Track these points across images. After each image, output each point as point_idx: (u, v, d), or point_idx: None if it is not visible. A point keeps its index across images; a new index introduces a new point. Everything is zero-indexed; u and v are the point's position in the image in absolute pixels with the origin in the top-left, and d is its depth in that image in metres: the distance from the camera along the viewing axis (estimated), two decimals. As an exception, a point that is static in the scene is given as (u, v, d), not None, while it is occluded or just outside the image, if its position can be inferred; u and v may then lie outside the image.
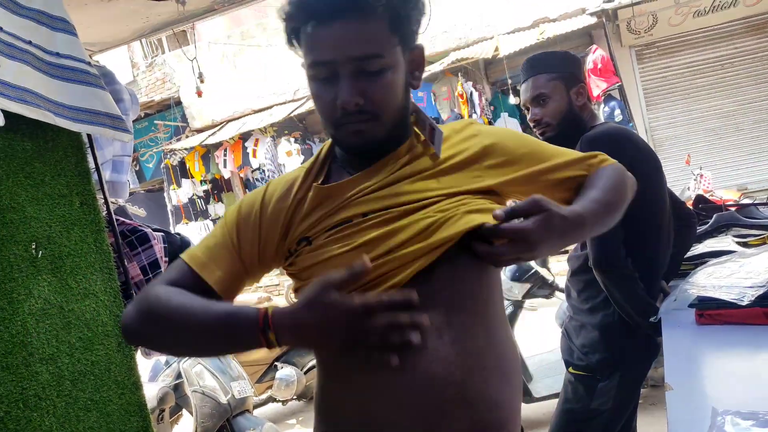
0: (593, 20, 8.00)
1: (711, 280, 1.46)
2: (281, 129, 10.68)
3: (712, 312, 1.38)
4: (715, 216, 2.04)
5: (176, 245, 2.40)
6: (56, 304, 1.90)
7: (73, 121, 1.95)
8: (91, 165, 2.17)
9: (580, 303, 1.73)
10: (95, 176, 2.19)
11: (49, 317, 1.86)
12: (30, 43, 1.78)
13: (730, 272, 1.47)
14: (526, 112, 1.92)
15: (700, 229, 2.01)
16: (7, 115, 1.68)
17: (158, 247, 2.29)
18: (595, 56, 7.76)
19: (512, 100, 8.61)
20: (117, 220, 2.23)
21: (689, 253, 1.86)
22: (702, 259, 1.80)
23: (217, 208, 12.21)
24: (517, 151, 1.05)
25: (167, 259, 2.33)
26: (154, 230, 2.35)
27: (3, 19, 1.70)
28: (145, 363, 2.96)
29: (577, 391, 1.74)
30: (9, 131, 1.83)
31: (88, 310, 1.97)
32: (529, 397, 3.58)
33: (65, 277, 1.94)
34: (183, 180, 11.18)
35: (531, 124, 1.90)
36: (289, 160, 10.03)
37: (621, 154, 1.60)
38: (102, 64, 2.63)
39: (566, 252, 1.67)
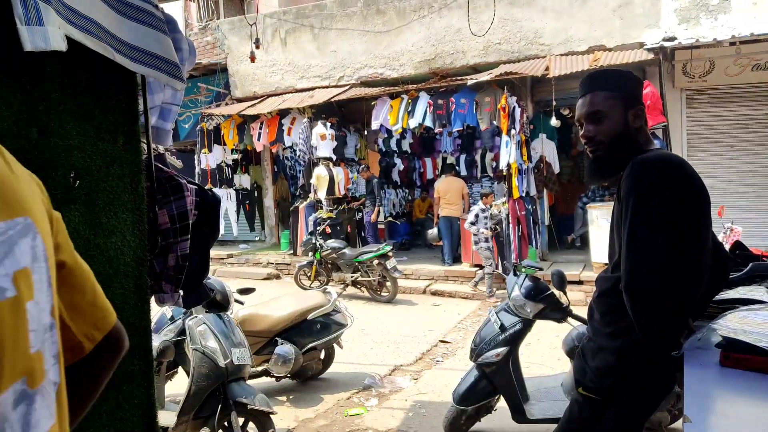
0: (649, 56, 7.90)
1: (742, 325, 1.43)
2: (319, 112, 10.73)
3: (739, 356, 1.35)
4: (751, 264, 2.00)
5: (207, 200, 2.42)
6: (84, 235, 1.92)
7: (132, 60, 1.96)
8: (140, 108, 2.20)
9: (602, 326, 1.70)
10: (142, 119, 2.22)
11: (75, 247, 1.88)
12: (105, -25, 1.80)
13: (763, 320, 1.43)
14: (579, 127, 1.89)
15: (734, 275, 1.97)
16: (69, 42, 1.70)
17: (190, 199, 2.30)
18: (645, 92, 7.66)
19: (553, 122, 8.53)
20: (155, 165, 2.26)
21: (718, 297, 1.82)
22: (732, 304, 1.76)
23: (242, 179, 12.33)
24: None
25: (196, 212, 2.35)
26: (189, 182, 2.37)
27: (84, -51, 1.72)
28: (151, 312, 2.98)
29: (583, 412, 1.71)
30: (68, 59, 1.84)
31: (113, 247, 1.99)
32: (522, 416, 3.55)
33: (97, 211, 1.96)
34: (215, 146, 11.30)
35: (582, 141, 1.86)
36: (322, 143, 10.07)
37: (667, 180, 1.58)
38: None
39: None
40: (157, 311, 3.56)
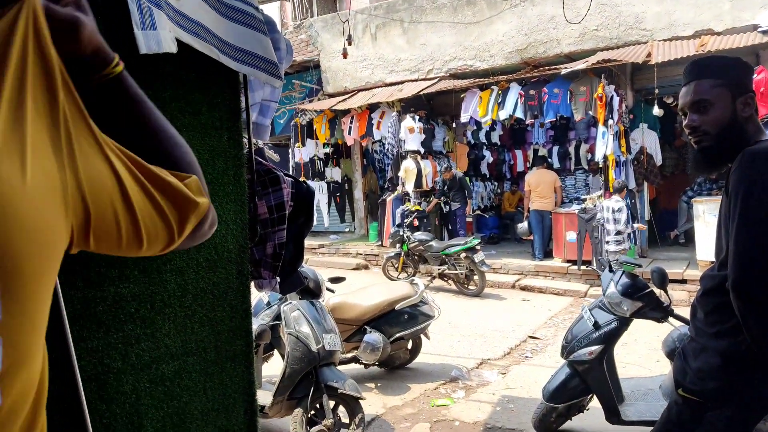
0: (764, 39, 7.27)
1: None
2: (408, 105, 10.79)
3: None
4: None
5: (302, 192, 2.53)
6: (192, 223, 2.07)
7: (235, 61, 2.09)
8: (242, 105, 2.33)
9: (707, 326, 1.61)
10: (243, 116, 2.35)
11: (184, 234, 2.03)
12: (211, -19, 1.93)
13: None
14: (682, 117, 1.80)
15: None
16: (178, 44, 1.83)
17: (286, 191, 2.42)
18: (758, 78, 7.06)
19: (656, 111, 8.06)
20: (255, 159, 2.39)
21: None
22: None
23: (333, 172, 12.65)
24: None
25: (292, 203, 2.46)
26: (285, 175, 2.48)
27: (194, -43, 1.85)
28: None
29: (682, 415, 1.63)
30: (177, 60, 1.99)
31: (218, 235, 2.13)
32: (617, 418, 3.42)
33: (204, 201, 2.11)
34: (308, 140, 11.68)
35: (686, 131, 1.77)
36: (410, 136, 10.12)
37: None
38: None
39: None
40: (255, 297, 3.76)
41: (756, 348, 1.44)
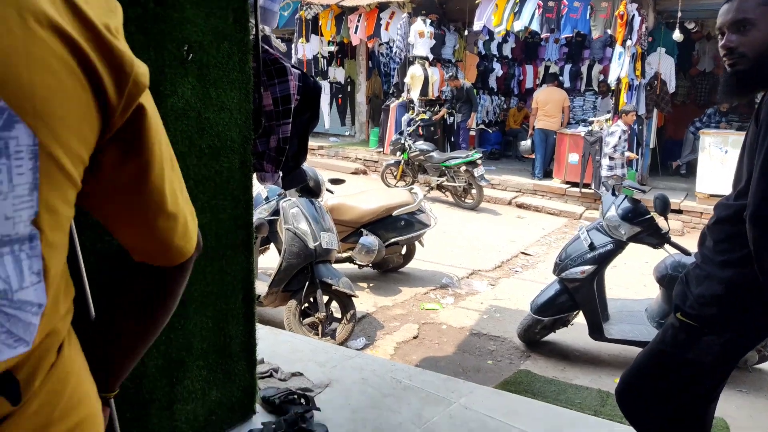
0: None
1: None
2: (419, 7, 10.30)
3: None
4: None
5: (309, 87, 2.43)
6: (196, 108, 1.99)
7: (245, -67, 1.93)
8: (250, -16, 2.17)
9: (714, 254, 1.60)
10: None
11: (187, 119, 1.97)
12: None
13: None
14: (720, 37, 1.68)
15: None
16: None
17: (293, 84, 2.32)
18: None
19: (676, 36, 7.74)
20: (262, 46, 2.26)
21: None
22: None
23: (336, 73, 12.28)
24: None
25: (299, 97, 2.37)
26: (293, 67, 2.37)
27: None
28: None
29: (677, 337, 1.66)
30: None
31: (222, 123, 2.07)
32: (599, 335, 3.54)
33: (207, 86, 2.02)
34: (312, 36, 11.23)
35: (721, 52, 1.65)
36: (420, 41, 9.74)
37: None
38: None
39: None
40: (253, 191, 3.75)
41: (764, 279, 1.44)
